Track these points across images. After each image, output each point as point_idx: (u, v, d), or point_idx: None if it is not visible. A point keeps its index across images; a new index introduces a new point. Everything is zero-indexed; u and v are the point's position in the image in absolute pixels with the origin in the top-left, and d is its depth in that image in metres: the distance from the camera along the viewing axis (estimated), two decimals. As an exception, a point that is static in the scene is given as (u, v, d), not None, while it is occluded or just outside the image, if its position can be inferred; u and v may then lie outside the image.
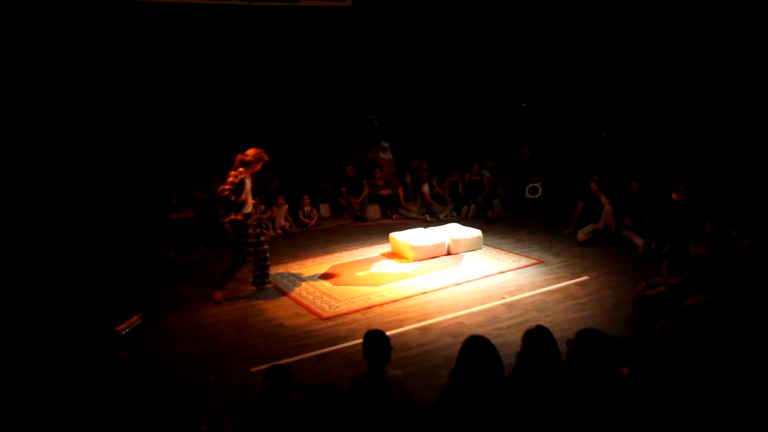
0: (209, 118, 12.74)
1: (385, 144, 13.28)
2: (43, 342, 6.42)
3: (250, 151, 7.58)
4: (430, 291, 7.73)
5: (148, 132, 12.07)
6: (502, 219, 11.60)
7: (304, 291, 7.95)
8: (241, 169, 7.49)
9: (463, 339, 3.50)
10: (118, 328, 5.28)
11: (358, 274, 8.58)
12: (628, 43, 12.22)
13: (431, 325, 6.65)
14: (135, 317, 5.46)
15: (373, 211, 12.32)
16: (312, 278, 8.47)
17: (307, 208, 11.56)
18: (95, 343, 5.84)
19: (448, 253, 9.26)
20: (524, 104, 14.17)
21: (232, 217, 7.48)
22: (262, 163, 7.67)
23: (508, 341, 5.74)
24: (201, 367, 5.83)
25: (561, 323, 6.39)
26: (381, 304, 7.33)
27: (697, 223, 8.26)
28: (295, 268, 8.97)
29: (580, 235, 9.64)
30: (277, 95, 13.35)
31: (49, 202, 9.89)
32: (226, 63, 12.60)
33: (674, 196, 9.04)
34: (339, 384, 4.10)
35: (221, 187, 7.41)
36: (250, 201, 7.69)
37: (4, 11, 9.95)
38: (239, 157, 7.57)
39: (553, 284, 7.79)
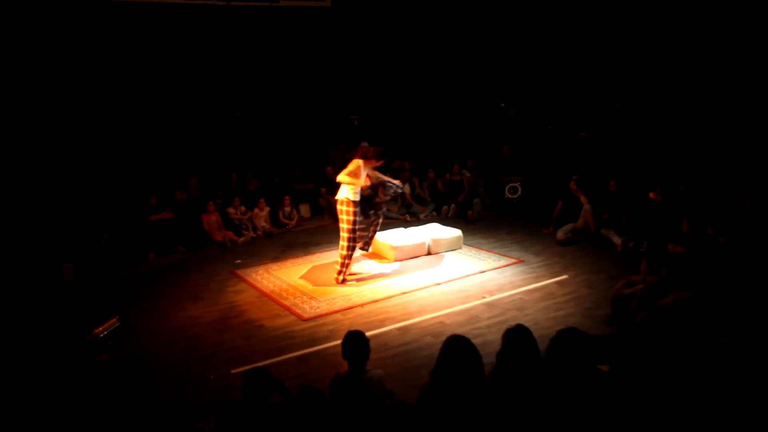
0: (187, 119, 12.64)
1: (364, 144, 13.26)
2: (20, 345, 6.33)
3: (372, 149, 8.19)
4: (411, 291, 7.74)
5: (127, 133, 11.95)
6: (482, 219, 11.65)
7: (285, 292, 7.92)
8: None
9: (443, 338, 3.50)
10: (97, 330, 5.22)
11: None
12: (605, 43, 12.32)
13: (412, 325, 6.66)
14: (113, 319, 5.40)
15: (354, 212, 12.29)
16: (292, 279, 8.44)
17: (288, 209, 11.51)
18: (73, 346, 5.77)
19: (429, 253, 9.28)
20: (503, 104, 14.24)
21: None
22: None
23: (489, 340, 5.77)
24: (182, 370, 5.79)
25: (541, 322, 6.44)
26: (361, 305, 7.33)
27: (674, 222, 8.36)
28: (276, 268, 8.93)
29: (559, 234, 9.72)
30: (257, 95, 13.29)
31: (25, 203, 9.75)
32: (205, 63, 12.51)
33: (651, 195, 9.15)
34: (319, 385, 4.09)
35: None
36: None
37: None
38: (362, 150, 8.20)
39: (532, 283, 7.84)
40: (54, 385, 5.15)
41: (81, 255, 9.16)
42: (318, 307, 7.29)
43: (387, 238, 9.28)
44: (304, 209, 12.26)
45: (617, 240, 9.20)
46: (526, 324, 3.69)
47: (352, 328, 4.17)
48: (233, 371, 5.64)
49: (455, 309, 7.05)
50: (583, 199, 9.78)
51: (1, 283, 8.04)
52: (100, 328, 5.19)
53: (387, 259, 9.08)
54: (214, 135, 12.84)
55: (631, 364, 3.61)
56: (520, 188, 12.19)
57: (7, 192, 9.78)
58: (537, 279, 8.01)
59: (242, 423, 3.57)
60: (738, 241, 7.50)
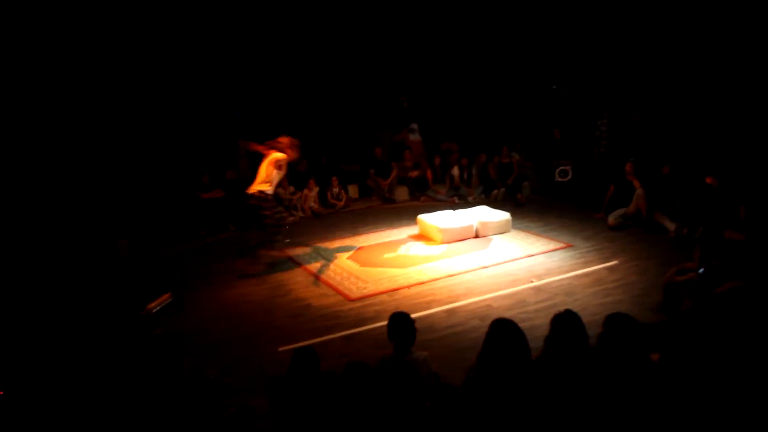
0: (239, 102, 12.80)
1: (414, 126, 13.23)
2: (76, 320, 6.56)
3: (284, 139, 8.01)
4: (458, 273, 7.72)
5: (181, 113, 12.16)
6: (531, 202, 11.52)
7: (332, 272, 8.00)
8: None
9: (490, 322, 3.49)
10: (150, 305, 5.38)
11: (386, 255, 8.60)
12: (660, 29, 11.93)
13: (458, 307, 6.64)
14: (166, 295, 5.56)
15: (402, 193, 12.33)
16: (340, 259, 8.51)
17: (336, 190, 11.60)
18: (128, 320, 5.95)
19: (476, 236, 9.23)
20: (554, 86, 13.98)
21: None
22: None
23: (536, 325, 5.72)
24: (231, 346, 5.92)
25: (589, 308, 6.34)
26: (408, 286, 7.34)
27: (731, 208, 8.10)
28: (325, 247, 9.02)
29: (611, 219, 9.53)
30: (306, 77, 13.35)
31: (81, 183, 10.06)
32: (250, 43, 12.60)
33: (708, 180, 8.88)
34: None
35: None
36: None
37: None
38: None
39: (581, 268, 7.72)
40: (108, 359, 5.32)
41: (136, 231, 9.42)
42: (365, 288, 7.33)
43: (434, 220, 9.26)
44: (353, 190, 12.34)
45: (670, 226, 8.97)
46: (575, 309, 3.64)
47: (399, 310, 4.19)
48: (281, 349, 5.73)
49: (502, 293, 7.00)
50: (636, 183, 9.57)
51: (59, 259, 8.34)
52: (153, 303, 5.34)
53: (434, 241, 9.06)
54: (266, 116, 12.96)
55: (683, 353, 3.53)
56: (570, 172, 11.99)
57: (66, 173, 10.09)
58: (586, 264, 7.88)
59: (294, 396, 3.62)
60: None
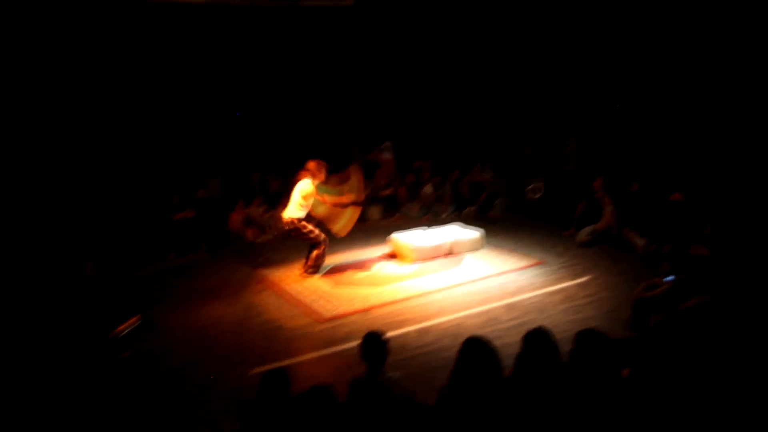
0: (210, 118, 12.72)
1: (387, 144, 13.26)
2: (42, 342, 6.40)
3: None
4: (431, 292, 7.71)
5: (150, 132, 12.04)
6: (503, 219, 11.59)
7: (305, 292, 7.94)
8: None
9: (462, 340, 3.48)
10: (118, 329, 5.29)
11: (359, 275, 8.57)
12: (629, 48, 12.17)
13: (431, 326, 6.63)
14: (135, 318, 5.48)
15: (374, 212, 12.31)
16: (312, 279, 8.46)
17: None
18: (95, 344, 5.83)
19: (449, 254, 9.25)
20: (526, 104, 14.15)
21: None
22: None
23: (508, 342, 5.70)
24: (201, 369, 5.83)
25: (561, 324, 6.37)
26: (381, 306, 7.31)
27: (698, 224, 8.24)
28: (296, 268, 8.96)
29: (581, 235, 9.63)
30: (279, 95, 13.33)
31: (48, 202, 9.87)
32: (228, 63, 12.57)
33: (675, 196, 9.03)
34: (338, 386, 4.08)
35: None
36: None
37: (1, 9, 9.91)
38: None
39: (553, 285, 7.77)
40: (75, 382, 5.19)
41: (103, 253, 9.25)
42: (337, 308, 7.29)
43: (407, 238, 9.26)
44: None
45: (639, 242, 9.08)
46: (546, 326, 3.66)
47: (371, 330, 4.17)
48: (252, 372, 5.66)
49: (475, 310, 7.01)
50: (605, 199, 9.69)
51: (25, 280, 8.15)
52: (122, 326, 5.25)
53: (407, 259, 9.06)
54: (236, 135, 12.90)
55: (653, 368, 3.56)
56: (541, 189, 12.10)
57: (31, 191, 9.90)
58: (557, 281, 7.94)
59: (265, 420, 3.56)
60: (765, 243, 7.37)
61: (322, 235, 8.46)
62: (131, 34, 11.31)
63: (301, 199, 8.24)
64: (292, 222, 8.28)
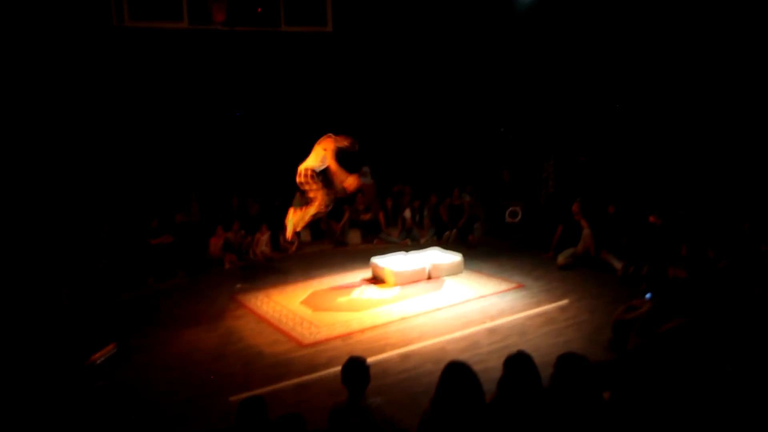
0: (189, 142, 12.66)
1: (366, 169, 13.30)
2: (16, 370, 6.28)
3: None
4: (411, 316, 7.69)
5: (128, 156, 11.95)
6: (482, 243, 11.65)
7: (285, 317, 7.88)
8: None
9: (443, 365, 3.48)
10: (94, 357, 5.20)
11: (339, 299, 8.54)
12: (603, 72, 12.40)
13: (412, 351, 6.60)
14: (111, 346, 5.39)
15: (354, 236, 12.31)
16: (293, 304, 8.40)
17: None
18: (70, 372, 5.73)
19: (429, 278, 9.25)
20: (503, 129, 14.30)
21: None
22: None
23: (489, 367, 5.72)
24: (180, 396, 5.74)
25: (542, 348, 6.38)
26: (362, 330, 7.28)
27: (674, 246, 8.35)
28: (276, 294, 8.91)
29: (560, 258, 9.70)
30: (258, 119, 13.34)
31: (23, 228, 9.72)
32: (207, 86, 12.56)
33: (651, 218, 9.15)
34: (319, 413, 4.05)
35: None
36: None
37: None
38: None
39: (533, 308, 7.80)
40: (50, 411, 5.09)
41: (79, 279, 9.13)
42: (318, 333, 7.24)
43: (387, 263, 9.26)
44: (305, 234, 12.26)
45: (617, 264, 9.17)
46: (527, 350, 3.66)
47: (352, 355, 4.14)
48: (232, 398, 5.58)
49: (456, 335, 7.00)
50: (583, 223, 9.79)
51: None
52: (98, 354, 5.17)
53: (388, 284, 9.05)
54: (215, 159, 12.84)
55: (629, 391, 3.57)
56: (520, 212, 12.20)
57: (7, 216, 9.76)
58: (538, 304, 7.97)
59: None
60: (738, 265, 7.48)
61: (323, 206, 8.73)
62: (107, 60, 11.27)
63: (320, 149, 8.58)
64: (305, 171, 8.49)
